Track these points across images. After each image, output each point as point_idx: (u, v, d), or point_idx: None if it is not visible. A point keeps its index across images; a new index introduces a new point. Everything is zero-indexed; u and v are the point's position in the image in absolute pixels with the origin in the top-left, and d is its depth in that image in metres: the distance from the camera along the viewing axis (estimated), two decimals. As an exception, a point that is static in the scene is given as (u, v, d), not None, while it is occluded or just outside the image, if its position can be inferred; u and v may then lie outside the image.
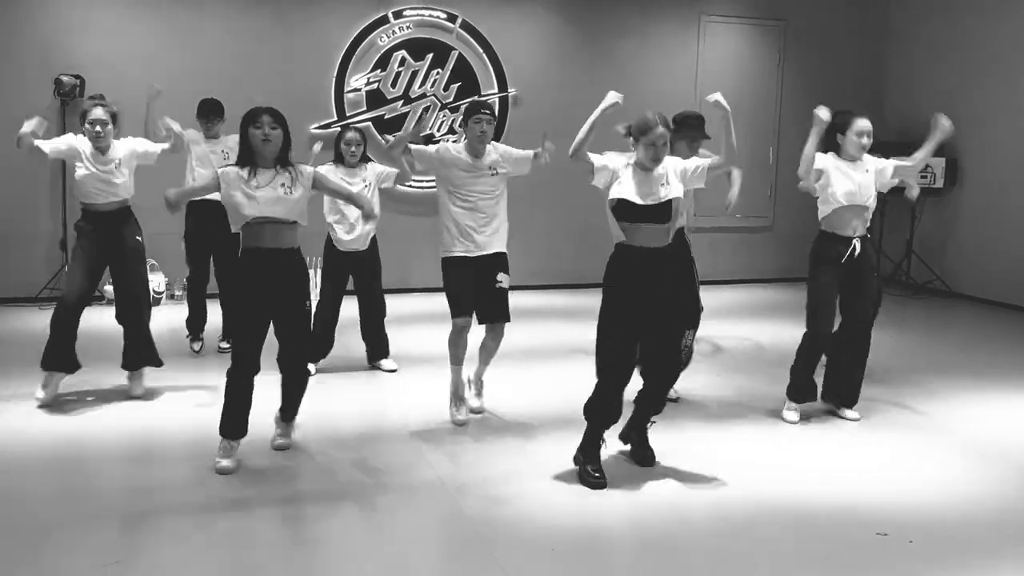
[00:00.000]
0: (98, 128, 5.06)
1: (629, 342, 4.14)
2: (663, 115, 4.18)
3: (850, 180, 5.01)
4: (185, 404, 5.27)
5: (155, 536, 3.60)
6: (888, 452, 4.73)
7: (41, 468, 4.29)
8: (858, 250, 5.03)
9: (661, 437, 4.79)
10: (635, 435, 4.47)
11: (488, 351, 5.18)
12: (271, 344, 4.34)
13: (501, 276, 5.02)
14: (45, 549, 3.46)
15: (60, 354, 5.18)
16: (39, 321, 7.41)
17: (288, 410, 4.56)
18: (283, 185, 4.23)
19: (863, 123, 5.04)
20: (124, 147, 5.26)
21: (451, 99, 9.13)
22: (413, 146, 5.02)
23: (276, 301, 4.28)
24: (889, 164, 5.17)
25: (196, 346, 6.56)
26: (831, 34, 10.40)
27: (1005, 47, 9.10)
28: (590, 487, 4.12)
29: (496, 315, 5.05)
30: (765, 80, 10.29)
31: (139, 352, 5.37)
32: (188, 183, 6.29)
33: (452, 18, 9.08)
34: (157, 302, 8.13)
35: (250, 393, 4.31)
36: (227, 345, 6.44)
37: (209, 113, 6.47)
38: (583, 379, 5.79)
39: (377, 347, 6.12)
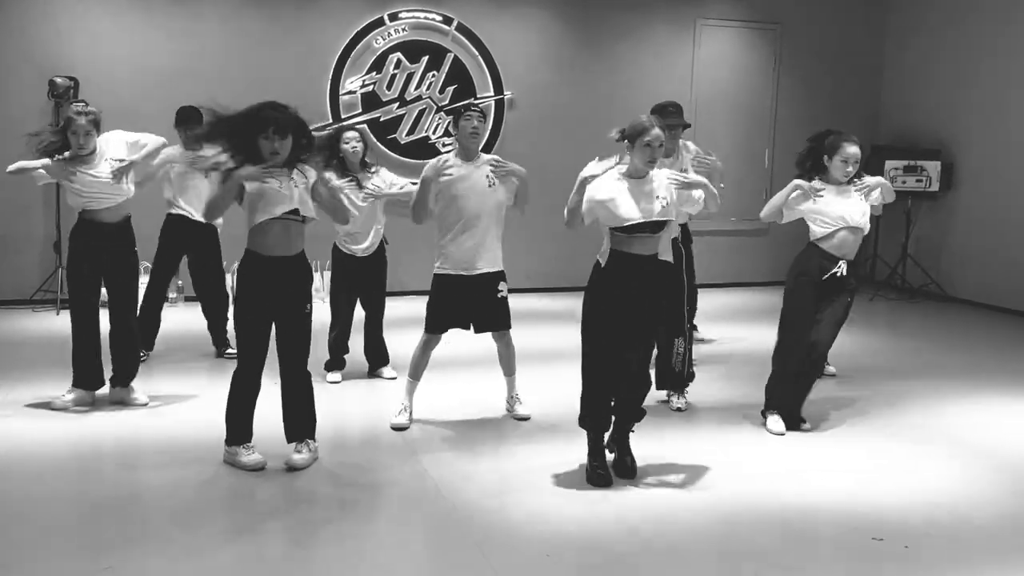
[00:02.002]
0: (82, 140, 4.99)
1: (614, 349, 4.19)
2: (658, 118, 4.24)
3: (839, 203, 4.94)
4: (179, 409, 5.24)
5: (145, 542, 3.58)
6: (882, 456, 4.72)
7: (33, 473, 4.26)
8: (843, 271, 4.94)
9: (655, 441, 4.78)
10: (616, 445, 4.43)
11: (505, 360, 5.17)
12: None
13: (502, 285, 5.01)
14: (36, 554, 3.44)
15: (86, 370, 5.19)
16: (32, 323, 7.40)
17: (297, 427, 4.40)
18: (292, 180, 4.18)
19: (852, 150, 4.92)
20: (113, 144, 5.15)
21: (447, 102, 9.12)
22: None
23: (278, 306, 4.27)
24: (872, 195, 5.07)
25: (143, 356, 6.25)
26: (827, 38, 10.41)
27: (1001, 51, 9.11)
28: (592, 483, 4.18)
29: (499, 323, 5.06)
30: (761, 84, 10.30)
31: (127, 366, 5.32)
32: (167, 196, 6.28)
33: (448, 20, 9.07)
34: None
35: (255, 397, 4.32)
36: (232, 351, 6.36)
37: (188, 120, 6.22)
38: (577, 383, 5.80)
39: (377, 356, 6.04)
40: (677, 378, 5.39)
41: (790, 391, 5.07)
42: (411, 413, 5.04)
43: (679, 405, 5.41)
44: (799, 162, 5.13)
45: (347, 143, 5.69)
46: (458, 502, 3.99)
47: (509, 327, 5.10)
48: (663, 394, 5.49)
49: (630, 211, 4.10)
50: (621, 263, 4.18)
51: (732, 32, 10.13)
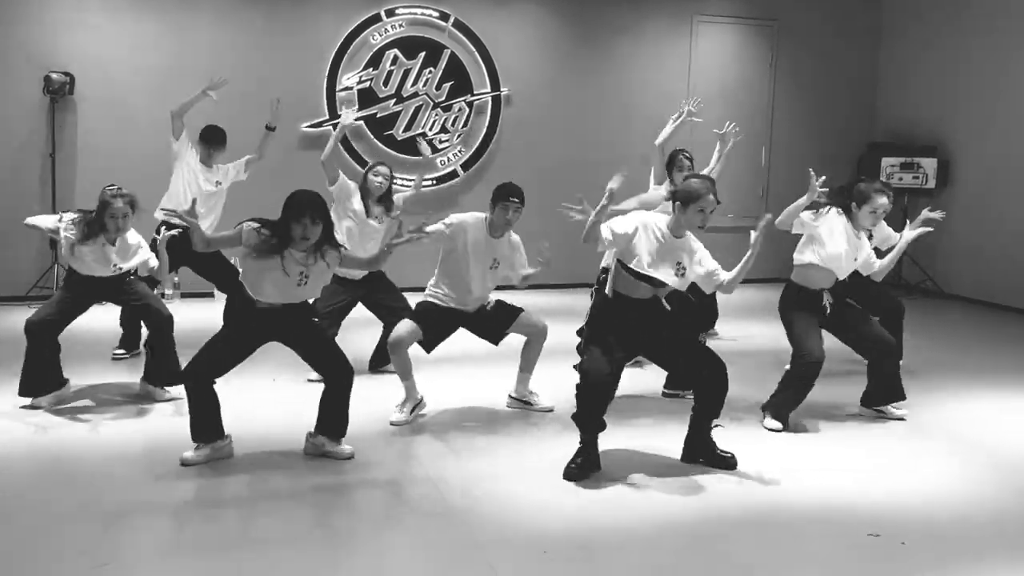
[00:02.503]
0: (120, 223, 5.04)
1: (613, 362, 4.21)
2: (711, 182, 4.25)
3: (843, 246, 4.98)
4: (173, 406, 5.23)
5: (144, 538, 3.57)
6: (879, 452, 4.72)
7: (29, 469, 4.26)
8: (829, 302, 5.02)
9: (655, 437, 4.78)
10: (702, 448, 4.44)
11: (532, 352, 5.20)
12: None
13: (487, 301, 5.13)
14: (33, 551, 3.43)
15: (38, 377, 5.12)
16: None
17: (329, 424, 4.42)
18: (301, 274, 4.19)
19: (882, 201, 4.96)
20: (132, 251, 5.22)
21: (443, 98, 9.11)
22: (429, 229, 4.78)
23: (281, 339, 4.39)
24: (872, 257, 5.19)
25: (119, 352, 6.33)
26: (823, 34, 10.41)
27: (997, 48, 9.11)
28: (565, 477, 4.19)
29: (509, 317, 5.12)
30: (757, 80, 10.30)
31: (160, 367, 5.33)
32: (174, 190, 6.26)
33: (444, 16, 9.06)
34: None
35: (214, 397, 4.29)
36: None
37: (212, 141, 6.36)
38: (574, 380, 5.79)
39: (384, 355, 5.95)
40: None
41: (791, 399, 5.06)
42: (413, 408, 5.03)
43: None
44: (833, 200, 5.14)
45: (376, 176, 5.77)
46: (455, 498, 3.98)
47: (519, 311, 5.15)
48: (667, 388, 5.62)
49: (646, 264, 4.19)
50: (620, 304, 4.29)
51: (729, 28, 10.13)
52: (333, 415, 4.42)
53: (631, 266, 4.21)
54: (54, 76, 7.87)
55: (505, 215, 4.99)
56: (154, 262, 5.34)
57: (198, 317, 6.63)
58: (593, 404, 4.23)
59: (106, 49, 8.24)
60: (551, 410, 5.19)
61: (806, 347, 4.97)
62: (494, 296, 5.21)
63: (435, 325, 5.01)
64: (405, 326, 4.95)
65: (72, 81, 8.00)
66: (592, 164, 9.35)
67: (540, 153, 9.17)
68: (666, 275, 4.24)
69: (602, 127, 9.66)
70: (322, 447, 4.43)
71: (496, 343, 5.21)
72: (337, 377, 4.40)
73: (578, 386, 4.26)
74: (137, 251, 5.26)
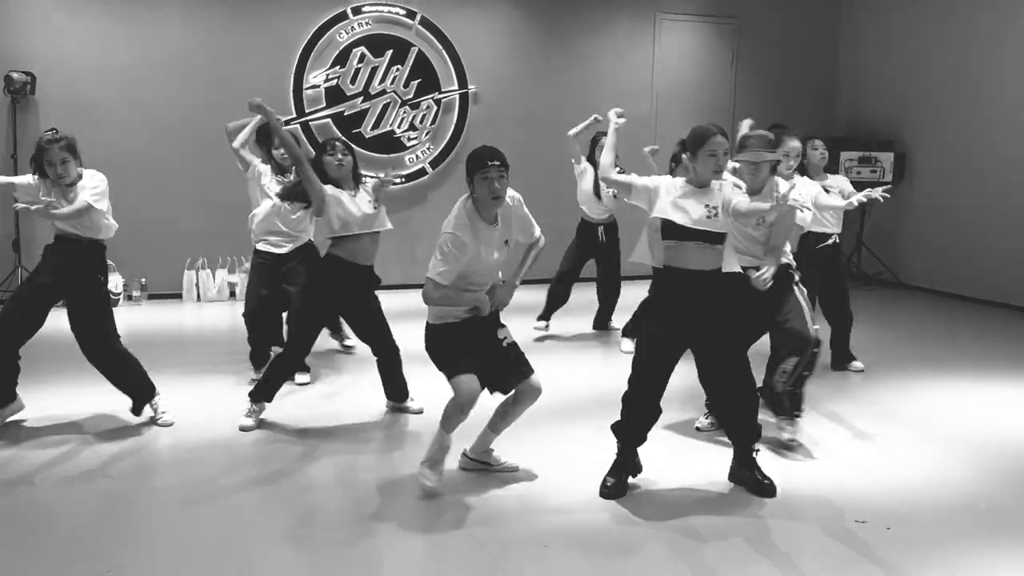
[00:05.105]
0: (59, 170, 4.57)
1: (664, 369, 3.95)
2: (718, 126, 3.94)
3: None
4: (171, 412, 5.18)
5: (146, 543, 3.56)
6: (851, 440, 4.85)
7: (27, 477, 4.20)
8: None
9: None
10: (744, 471, 4.16)
11: (515, 408, 4.16)
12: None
13: (503, 333, 4.13)
14: (37, 559, 3.40)
15: None
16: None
17: (392, 390, 5.19)
18: (370, 201, 4.82)
19: (793, 144, 5.13)
20: (91, 185, 4.70)
21: (411, 96, 9.11)
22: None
23: (352, 307, 5.04)
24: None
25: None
26: (783, 32, 10.60)
27: (954, 43, 9.37)
28: (602, 495, 4.03)
29: (519, 374, 4.07)
30: (719, 77, 10.46)
31: (133, 390, 4.93)
32: (254, 213, 5.75)
33: (411, 14, 9.06)
34: (115, 303, 7.97)
35: (292, 372, 5.08)
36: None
37: (269, 139, 5.70)
38: (577, 375, 5.85)
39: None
40: (776, 401, 4.74)
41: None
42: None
43: (789, 436, 4.69)
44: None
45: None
46: (453, 494, 4.02)
47: (530, 373, 4.11)
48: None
49: (678, 214, 3.83)
50: (672, 280, 3.89)
51: (691, 26, 10.26)
52: (388, 383, 5.21)
53: (671, 232, 3.79)
54: (15, 76, 7.71)
55: (489, 187, 3.86)
56: (97, 205, 4.65)
57: (161, 321, 6.56)
58: (638, 414, 4.00)
59: (68, 48, 8.09)
60: (516, 469, 4.34)
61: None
62: (510, 332, 4.23)
63: (469, 352, 4.02)
64: (467, 379, 3.95)
65: (33, 80, 7.85)
66: (558, 160, 9.40)
67: (508, 150, 8.95)
68: (692, 216, 3.80)
69: (568, 124, 9.69)
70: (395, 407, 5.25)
71: (492, 392, 4.14)
72: (382, 351, 5.10)
73: (627, 397, 4.00)
74: (91, 184, 4.67)
